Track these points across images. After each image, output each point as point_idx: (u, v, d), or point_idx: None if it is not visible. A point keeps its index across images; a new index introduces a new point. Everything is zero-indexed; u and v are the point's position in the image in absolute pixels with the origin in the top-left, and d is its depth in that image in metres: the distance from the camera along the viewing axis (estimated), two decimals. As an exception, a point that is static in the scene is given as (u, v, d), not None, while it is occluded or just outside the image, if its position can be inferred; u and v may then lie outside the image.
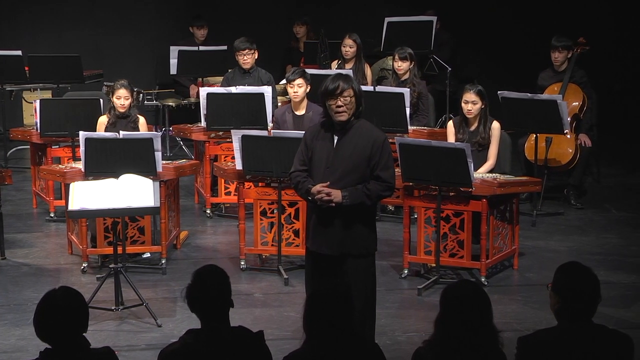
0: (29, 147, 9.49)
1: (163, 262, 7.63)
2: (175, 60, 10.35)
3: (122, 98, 8.05)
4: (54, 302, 3.94)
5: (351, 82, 5.47)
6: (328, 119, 5.55)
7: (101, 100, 8.78)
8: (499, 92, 8.77)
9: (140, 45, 12.37)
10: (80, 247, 7.60)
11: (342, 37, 9.84)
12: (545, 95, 9.02)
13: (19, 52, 10.26)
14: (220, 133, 8.80)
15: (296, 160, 5.69)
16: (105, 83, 10.70)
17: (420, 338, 4.36)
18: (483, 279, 7.23)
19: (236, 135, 7.51)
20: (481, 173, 7.61)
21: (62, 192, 8.38)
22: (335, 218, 5.51)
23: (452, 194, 7.21)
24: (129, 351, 6.17)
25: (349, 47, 9.77)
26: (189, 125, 9.28)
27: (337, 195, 5.44)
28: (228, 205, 9.14)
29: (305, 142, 5.64)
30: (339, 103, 5.42)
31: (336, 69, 9.61)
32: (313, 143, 5.59)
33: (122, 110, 8.08)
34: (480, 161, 7.71)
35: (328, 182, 5.47)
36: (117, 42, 12.30)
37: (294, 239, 7.61)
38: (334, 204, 5.45)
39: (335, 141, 5.51)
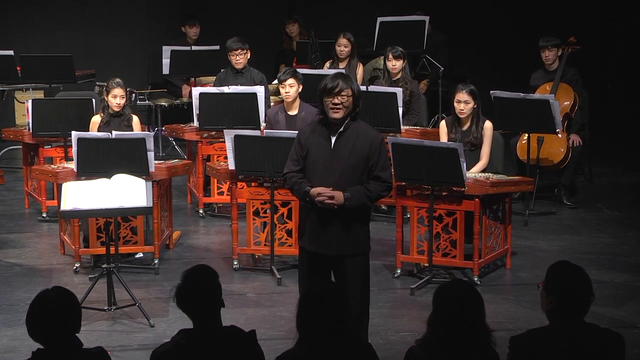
0: (21, 147, 9.48)
1: (156, 262, 7.63)
2: (168, 60, 10.34)
3: (118, 97, 8.04)
4: (47, 302, 3.94)
5: (350, 83, 5.50)
6: (324, 118, 5.55)
7: (93, 100, 8.76)
8: (491, 91, 8.78)
9: (131, 45, 12.36)
10: (73, 247, 7.59)
11: (333, 37, 9.85)
12: (537, 95, 9.03)
13: (10, 52, 10.24)
14: (213, 133, 8.79)
15: (289, 161, 5.68)
16: (97, 83, 10.69)
17: (413, 337, 4.35)
18: (475, 279, 7.24)
19: (229, 135, 7.51)
20: (474, 172, 7.61)
21: (55, 192, 8.37)
22: (332, 218, 5.51)
23: (445, 193, 7.22)
24: (121, 351, 6.17)
25: (343, 46, 9.78)
26: (181, 125, 9.27)
27: (339, 197, 5.45)
28: (221, 205, 9.14)
29: (300, 141, 5.63)
30: (336, 101, 5.45)
31: (329, 69, 9.61)
32: (308, 142, 5.58)
33: (117, 110, 8.07)
34: (472, 161, 7.72)
35: (331, 188, 5.47)
36: (108, 42, 12.28)
37: (286, 239, 7.61)
38: (336, 207, 5.46)
39: (333, 142, 5.52)
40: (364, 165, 5.50)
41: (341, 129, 5.51)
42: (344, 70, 9.37)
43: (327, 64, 9.85)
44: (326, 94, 5.48)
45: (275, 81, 8.64)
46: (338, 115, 5.47)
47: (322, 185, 5.48)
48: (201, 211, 9.03)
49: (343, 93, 5.45)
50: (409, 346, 4.07)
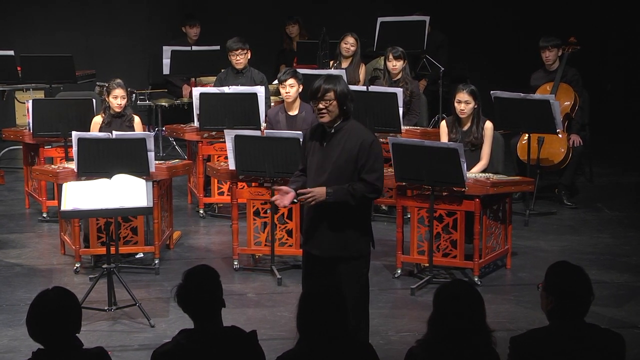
0: (21, 147, 9.47)
1: (156, 262, 7.63)
2: (168, 60, 10.34)
3: (118, 97, 8.04)
4: (47, 303, 3.94)
5: (333, 84, 5.47)
6: None
7: (94, 100, 8.77)
8: (491, 91, 8.78)
9: (132, 46, 12.36)
10: (73, 247, 7.59)
11: (333, 37, 9.85)
12: (537, 95, 9.03)
13: (11, 52, 10.24)
14: (213, 133, 8.79)
15: (300, 161, 5.78)
16: (97, 83, 10.70)
17: (414, 338, 4.35)
18: (476, 279, 7.24)
19: (229, 135, 7.51)
20: (474, 173, 7.61)
21: (55, 192, 8.37)
22: (327, 220, 5.50)
23: (445, 193, 7.22)
24: (121, 351, 6.17)
25: (350, 45, 9.82)
26: (181, 125, 9.27)
27: (321, 192, 5.45)
28: (221, 205, 9.14)
29: (304, 142, 5.71)
30: (320, 106, 5.47)
31: (334, 68, 9.61)
32: (308, 143, 5.64)
33: (118, 110, 8.07)
34: (473, 161, 7.72)
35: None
36: (109, 42, 12.29)
37: (287, 239, 7.61)
38: (313, 202, 5.44)
39: (325, 143, 5.54)
40: (353, 167, 5.47)
41: (333, 131, 5.52)
42: (344, 71, 9.38)
43: (331, 64, 9.85)
44: (311, 98, 5.53)
45: (276, 81, 8.65)
46: (324, 120, 5.50)
47: (314, 186, 5.50)
48: (201, 211, 9.03)
49: (326, 97, 5.44)
50: (410, 346, 4.07)
